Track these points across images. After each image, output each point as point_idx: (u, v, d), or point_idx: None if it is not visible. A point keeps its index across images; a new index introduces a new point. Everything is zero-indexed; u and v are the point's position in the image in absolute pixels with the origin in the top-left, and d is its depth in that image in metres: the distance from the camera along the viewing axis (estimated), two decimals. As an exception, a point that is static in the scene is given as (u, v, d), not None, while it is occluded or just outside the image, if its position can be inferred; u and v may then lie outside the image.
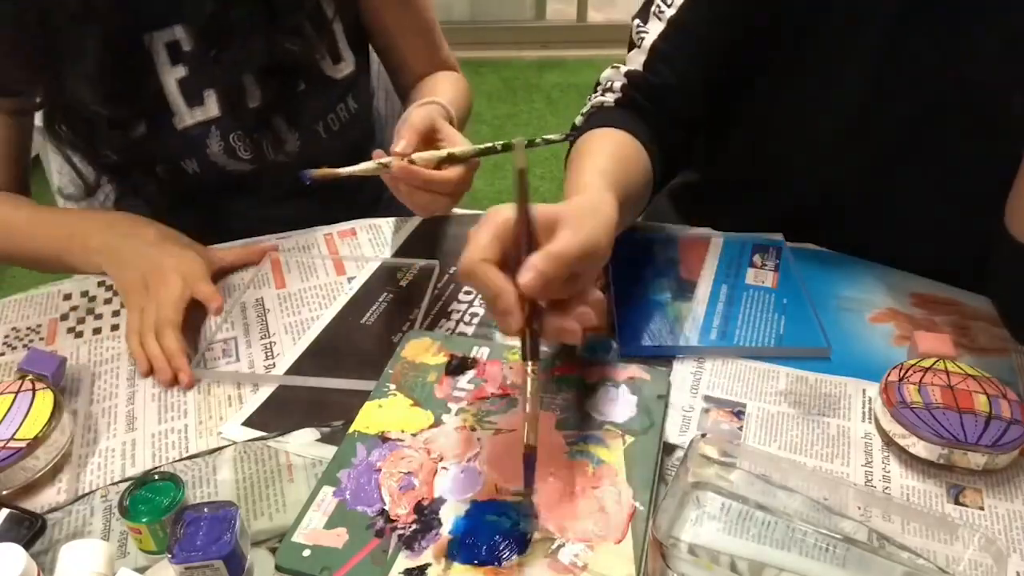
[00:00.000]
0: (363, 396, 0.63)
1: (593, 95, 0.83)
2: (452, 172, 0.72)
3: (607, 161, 0.69)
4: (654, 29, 0.78)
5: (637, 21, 0.81)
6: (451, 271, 0.83)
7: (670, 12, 0.78)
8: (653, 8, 0.79)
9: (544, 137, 0.75)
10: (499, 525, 0.53)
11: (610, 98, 0.80)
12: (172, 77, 0.85)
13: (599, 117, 0.79)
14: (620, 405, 0.61)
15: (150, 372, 0.71)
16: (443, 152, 0.72)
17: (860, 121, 0.77)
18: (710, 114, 0.83)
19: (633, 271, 0.80)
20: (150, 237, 0.80)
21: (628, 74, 0.80)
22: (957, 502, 0.58)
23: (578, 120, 0.83)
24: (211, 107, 0.87)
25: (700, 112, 0.82)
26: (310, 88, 0.89)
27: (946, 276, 0.78)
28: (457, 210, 0.93)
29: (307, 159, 0.79)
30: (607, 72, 0.82)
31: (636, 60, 0.79)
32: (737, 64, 0.79)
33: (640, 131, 0.76)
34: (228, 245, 0.87)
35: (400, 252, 0.86)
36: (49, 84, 0.82)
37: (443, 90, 0.94)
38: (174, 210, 0.89)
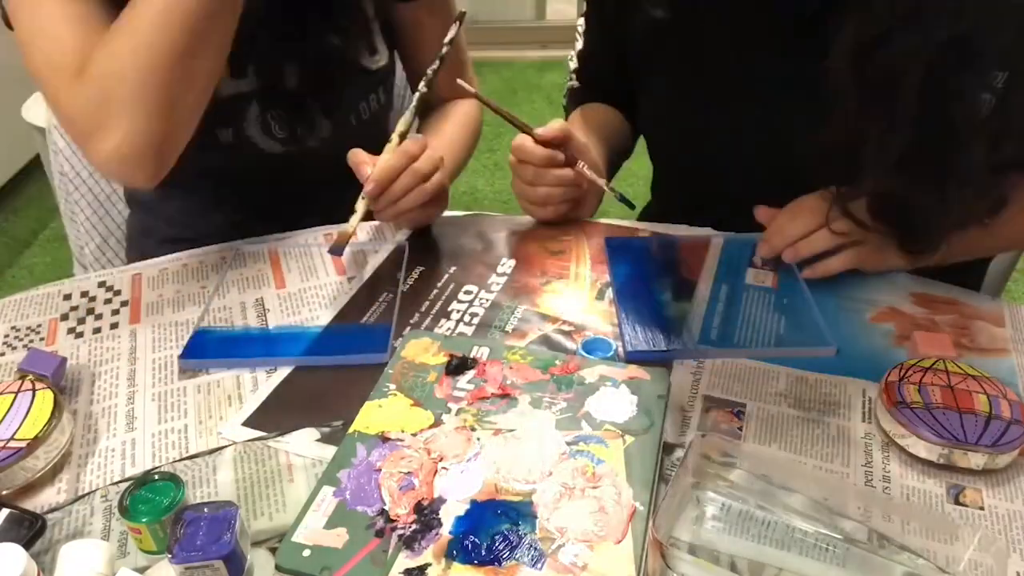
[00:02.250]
0: (363, 396, 0.63)
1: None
2: (430, 186, 0.81)
3: (585, 126, 0.94)
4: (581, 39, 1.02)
5: (580, 20, 1.02)
6: (451, 271, 0.83)
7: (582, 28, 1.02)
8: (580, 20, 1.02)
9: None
10: (499, 525, 0.53)
11: (574, 82, 1.06)
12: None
13: (574, 97, 1.06)
14: (620, 405, 0.61)
15: None
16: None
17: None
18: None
19: (634, 272, 0.80)
20: None
21: (574, 71, 1.05)
22: (957, 502, 0.58)
23: (564, 101, 1.09)
24: (252, 81, 0.88)
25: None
26: (347, 78, 0.92)
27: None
28: (458, 212, 0.93)
29: (337, 146, 0.81)
30: (572, 64, 1.05)
31: (575, 58, 1.04)
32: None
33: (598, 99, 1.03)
34: (229, 245, 0.87)
35: (400, 252, 0.86)
36: None
37: (447, 133, 0.98)
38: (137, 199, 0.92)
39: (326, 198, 0.88)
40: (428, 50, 0.94)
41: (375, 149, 0.81)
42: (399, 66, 1.07)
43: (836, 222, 0.73)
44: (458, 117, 1.01)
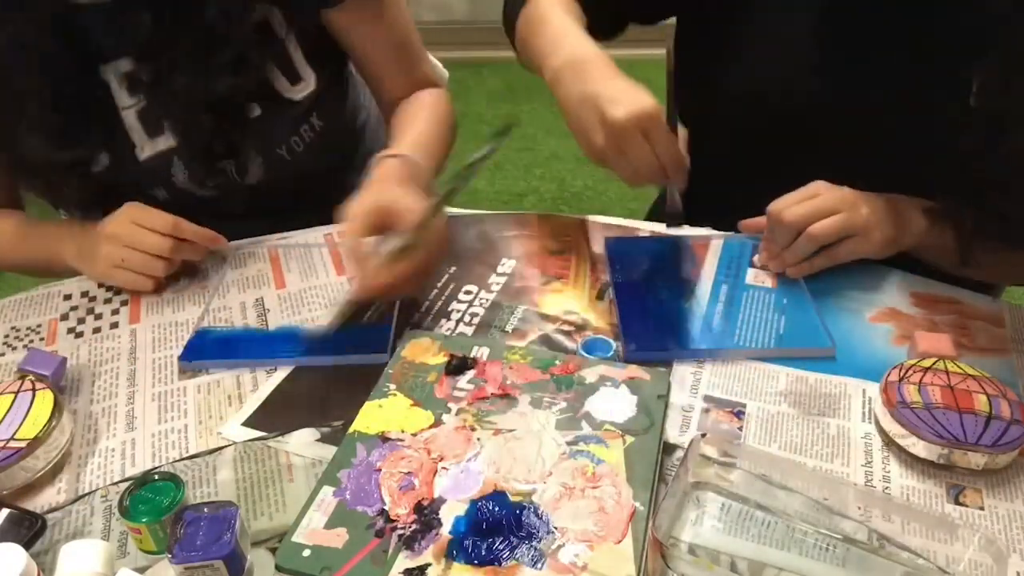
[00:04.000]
0: (363, 396, 0.63)
1: None
2: (404, 268, 0.70)
3: (573, 22, 0.80)
4: None
5: None
6: (451, 271, 0.83)
7: None
8: None
9: (475, 157, 0.73)
10: (499, 525, 0.53)
11: None
12: (132, 108, 0.84)
13: None
14: (620, 405, 0.61)
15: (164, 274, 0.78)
16: (393, 246, 0.70)
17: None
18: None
19: (634, 272, 0.80)
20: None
21: None
22: (957, 502, 0.58)
23: None
24: (170, 137, 0.86)
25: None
26: (266, 113, 0.87)
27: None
28: (458, 210, 0.93)
29: (276, 180, 0.78)
30: None
31: None
32: None
33: None
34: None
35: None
36: (3, 138, 0.81)
37: (417, 130, 0.90)
38: None
39: (304, 210, 0.89)
40: (372, 52, 0.92)
41: (327, 177, 0.77)
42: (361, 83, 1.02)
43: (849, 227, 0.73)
44: (428, 113, 0.94)
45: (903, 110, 0.77)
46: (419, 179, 0.78)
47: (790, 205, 0.75)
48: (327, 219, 0.91)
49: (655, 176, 0.72)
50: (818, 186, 0.75)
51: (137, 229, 0.79)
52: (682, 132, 0.71)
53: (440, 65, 1.08)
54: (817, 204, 0.74)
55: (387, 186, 0.75)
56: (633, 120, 0.68)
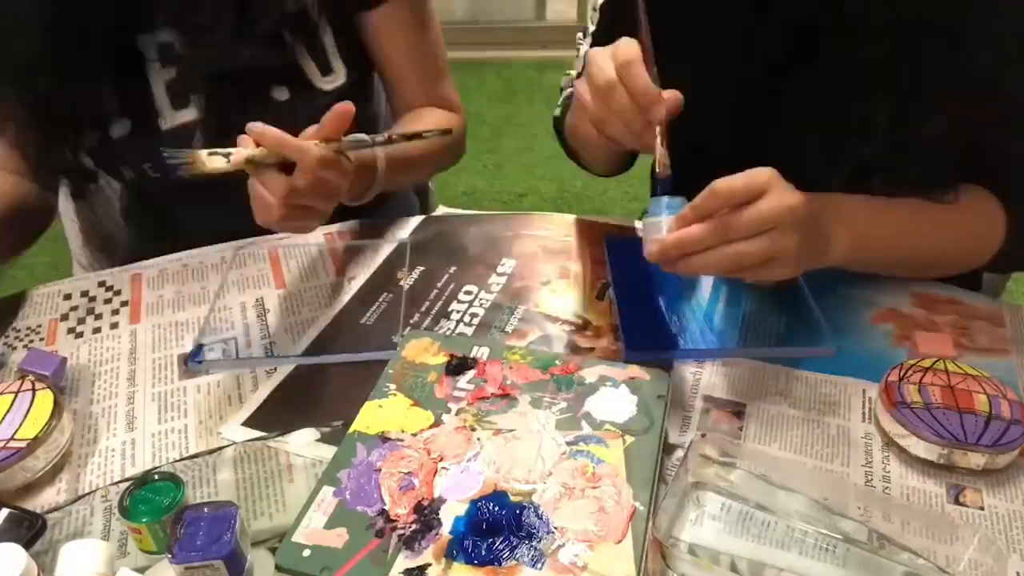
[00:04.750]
0: (363, 396, 0.63)
1: (566, 81, 0.97)
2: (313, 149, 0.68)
3: None
4: (587, 41, 0.91)
5: (580, 34, 0.93)
6: (451, 271, 0.83)
7: (592, 29, 0.92)
8: (588, 22, 0.94)
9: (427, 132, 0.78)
10: (499, 525, 0.53)
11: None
12: (161, 78, 0.85)
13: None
14: (620, 405, 0.61)
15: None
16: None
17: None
18: None
19: (634, 272, 0.80)
20: None
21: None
22: (957, 502, 0.58)
23: (556, 112, 0.94)
24: (194, 110, 0.87)
25: None
26: (293, 97, 0.88)
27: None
28: (458, 210, 0.93)
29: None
30: (564, 80, 0.96)
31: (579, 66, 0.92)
32: None
33: None
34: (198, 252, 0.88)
35: (400, 252, 0.86)
36: (43, 80, 0.81)
37: (403, 127, 0.90)
38: (138, 212, 0.91)
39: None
40: (397, 59, 0.93)
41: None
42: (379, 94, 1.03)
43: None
44: (426, 123, 0.94)
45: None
46: (364, 160, 0.79)
47: (726, 203, 0.60)
48: (328, 219, 0.91)
49: (636, 120, 0.64)
50: (768, 180, 0.61)
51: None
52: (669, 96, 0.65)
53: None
54: (752, 218, 0.60)
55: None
56: (609, 67, 0.64)
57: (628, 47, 0.64)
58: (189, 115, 0.87)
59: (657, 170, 0.67)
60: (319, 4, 0.86)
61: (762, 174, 0.61)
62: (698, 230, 0.61)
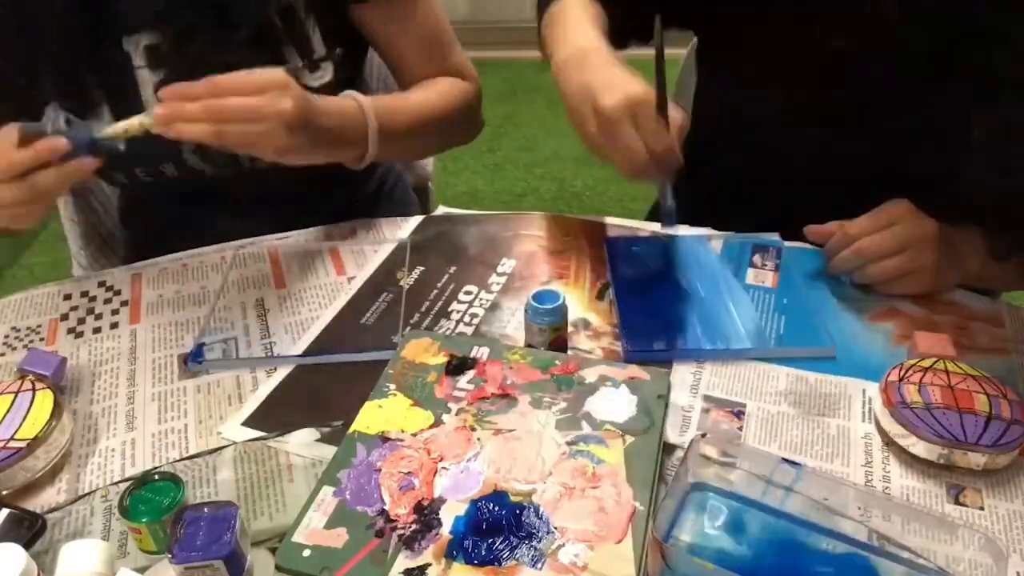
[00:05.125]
0: (363, 396, 0.63)
1: None
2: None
3: (587, 20, 0.81)
4: None
5: None
6: (451, 271, 0.83)
7: None
8: None
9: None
10: (499, 525, 0.53)
11: None
12: (150, 82, 0.84)
13: None
14: (620, 405, 0.61)
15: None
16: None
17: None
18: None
19: (634, 272, 0.80)
20: None
21: None
22: (957, 502, 0.58)
23: None
24: None
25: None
26: None
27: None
28: (458, 210, 0.93)
29: (284, 168, 0.78)
30: None
31: None
32: None
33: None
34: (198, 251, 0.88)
35: (400, 251, 0.86)
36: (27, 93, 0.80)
37: (402, 95, 0.90)
38: (135, 215, 0.90)
39: (306, 206, 0.89)
40: (403, 46, 0.91)
41: (327, 172, 0.77)
42: (373, 72, 1.03)
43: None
44: (430, 91, 0.92)
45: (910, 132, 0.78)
46: (349, 120, 0.79)
47: (864, 231, 0.75)
48: (328, 219, 0.91)
49: (644, 165, 0.69)
50: (899, 211, 0.75)
51: None
52: (676, 120, 0.69)
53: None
54: (886, 241, 0.74)
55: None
56: (621, 106, 0.67)
57: (639, 85, 0.68)
58: None
59: (666, 205, 0.77)
60: (306, 2, 0.85)
61: (898, 206, 0.75)
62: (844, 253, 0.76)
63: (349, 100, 0.81)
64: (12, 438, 0.60)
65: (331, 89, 0.88)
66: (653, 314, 0.75)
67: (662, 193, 0.78)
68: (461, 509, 0.54)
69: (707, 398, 0.67)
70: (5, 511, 0.56)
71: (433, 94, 0.91)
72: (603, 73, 0.71)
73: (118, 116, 0.83)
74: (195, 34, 0.81)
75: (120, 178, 0.88)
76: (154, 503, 0.55)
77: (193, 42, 0.81)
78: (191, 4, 0.80)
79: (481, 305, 0.78)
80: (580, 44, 0.76)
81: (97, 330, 0.78)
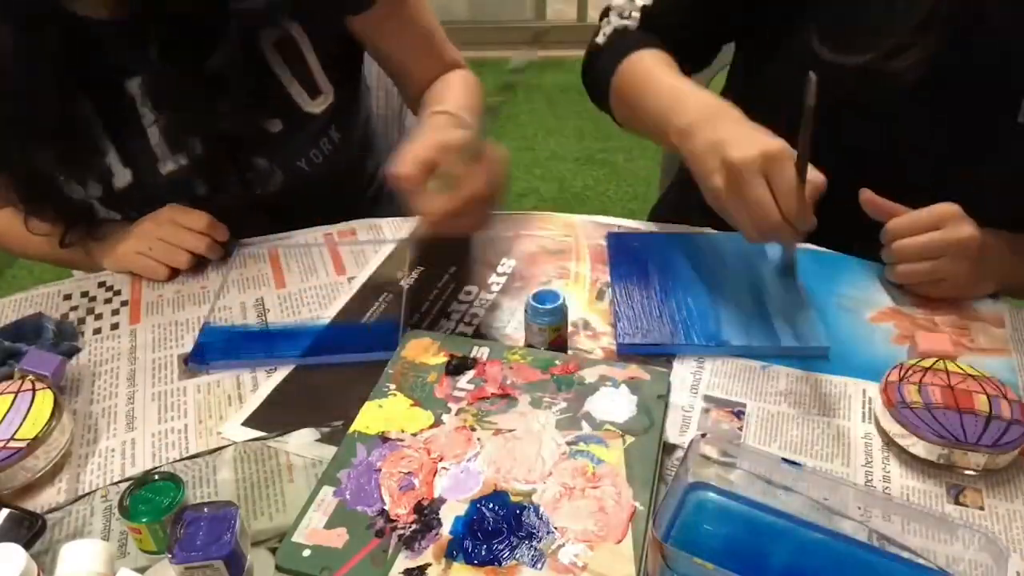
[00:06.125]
0: (363, 396, 0.63)
1: (605, 21, 0.90)
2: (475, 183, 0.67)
3: (687, 79, 0.80)
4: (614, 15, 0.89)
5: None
6: (451, 271, 0.83)
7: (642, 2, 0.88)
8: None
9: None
10: (499, 525, 0.53)
11: (632, 23, 0.88)
12: (156, 125, 0.83)
13: (631, 38, 0.87)
14: (620, 405, 0.61)
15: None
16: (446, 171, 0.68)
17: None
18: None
19: (633, 270, 0.80)
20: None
21: (643, 7, 0.88)
22: (957, 502, 0.58)
23: (600, 39, 0.90)
24: (192, 151, 0.85)
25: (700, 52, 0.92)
26: (287, 127, 0.86)
27: None
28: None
29: (292, 190, 0.78)
30: (619, 1, 0.90)
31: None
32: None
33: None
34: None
35: (400, 251, 0.86)
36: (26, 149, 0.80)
37: (454, 96, 0.89)
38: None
39: (309, 213, 0.90)
40: (400, 48, 0.91)
41: (338, 185, 0.78)
42: (373, 74, 1.02)
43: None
44: (462, 85, 0.92)
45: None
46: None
47: (908, 230, 0.73)
48: (328, 219, 0.91)
49: (774, 224, 0.65)
50: (945, 214, 0.72)
51: (178, 228, 0.83)
52: (815, 182, 0.66)
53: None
54: (922, 245, 0.73)
55: (438, 132, 0.73)
56: (753, 158, 0.64)
57: (777, 142, 0.65)
58: (186, 158, 0.85)
59: (788, 261, 0.77)
60: (303, 28, 0.84)
61: (945, 208, 0.72)
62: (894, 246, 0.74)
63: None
64: (12, 438, 0.60)
65: (333, 111, 0.89)
66: (651, 310, 0.75)
67: (788, 254, 0.78)
68: (461, 509, 0.54)
69: (707, 398, 0.67)
70: (5, 511, 0.56)
71: (469, 93, 0.91)
72: (737, 130, 0.68)
73: (127, 162, 0.84)
74: (185, 100, 0.81)
75: (134, 216, 0.87)
76: (154, 503, 0.55)
77: (184, 106, 0.81)
78: (177, 71, 0.79)
79: (481, 305, 0.78)
80: (706, 105, 0.73)
81: (97, 330, 0.78)
